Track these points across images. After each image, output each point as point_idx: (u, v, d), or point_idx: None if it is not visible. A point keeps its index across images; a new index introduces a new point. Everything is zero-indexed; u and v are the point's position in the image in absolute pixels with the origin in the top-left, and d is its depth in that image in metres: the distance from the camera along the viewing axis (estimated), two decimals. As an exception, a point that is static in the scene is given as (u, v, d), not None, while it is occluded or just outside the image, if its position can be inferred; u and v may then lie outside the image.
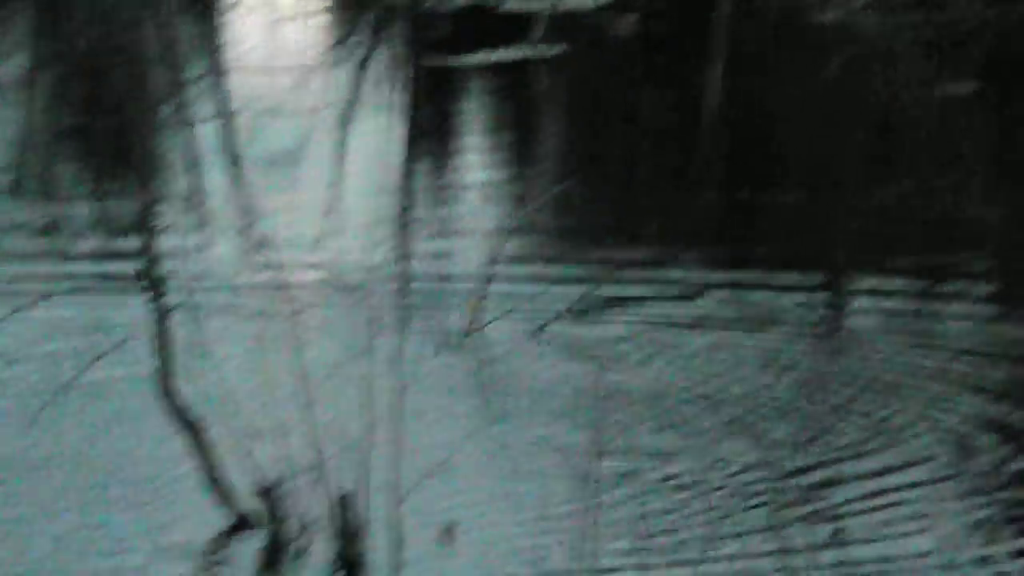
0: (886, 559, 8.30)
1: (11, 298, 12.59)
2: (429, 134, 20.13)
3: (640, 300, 14.04)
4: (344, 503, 8.06)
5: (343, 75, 22.32)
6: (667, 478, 9.27)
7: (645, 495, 8.88)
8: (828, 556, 8.60)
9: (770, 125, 19.83)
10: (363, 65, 23.10)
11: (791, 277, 14.51)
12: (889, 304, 13.71)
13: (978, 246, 15.56)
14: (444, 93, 21.13)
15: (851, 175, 17.74)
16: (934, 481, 9.73)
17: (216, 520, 8.45)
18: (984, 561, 8.28)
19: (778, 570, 8.17)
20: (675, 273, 14.85)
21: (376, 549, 8.15)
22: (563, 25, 21.65)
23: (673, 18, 22.27)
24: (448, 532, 8.24)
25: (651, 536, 8.26)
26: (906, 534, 8.85)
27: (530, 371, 11.96)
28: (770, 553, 8.30)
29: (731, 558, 8.03)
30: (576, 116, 20.49)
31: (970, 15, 21.15)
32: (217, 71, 21.26)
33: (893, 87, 20.84)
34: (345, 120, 19.68)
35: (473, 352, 12.32)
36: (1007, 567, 8.09)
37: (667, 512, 8.58)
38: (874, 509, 9.00)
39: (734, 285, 14.38)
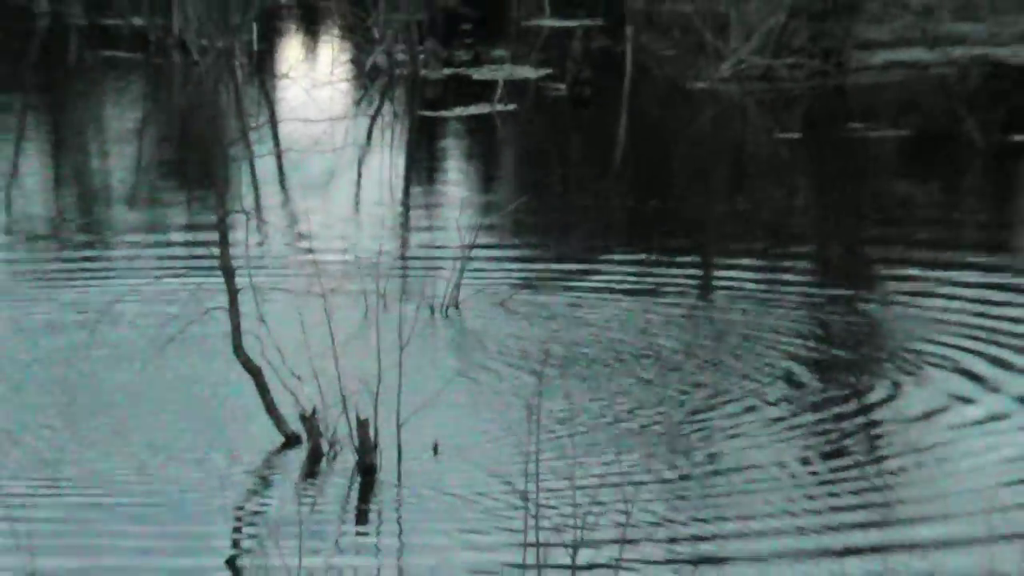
0: (751, 473, 8.14)
1: (131, 275, 12.89)
2: (423, 164, 19.67)
3: (578, 276, 13.38)
4: (361, 427, 8.10)
5: (362, 123, 21.37)
6: (585, 409, 9.00)
7: (572, 422, 8.70)
8: (699, 467, 8.54)
9: (660, 158, 19.47)
10: (376, 116, 22.31)
11: (677, 262, 13.87)
12: (742, 281, 12.96)
13: (802, 241, 15.13)
14: (433, 136, 20.69)
15: (716, 192, 17.77)
16: (777, 405, 9.45)
17: (273, 437, 8.57)
18: (816, 474, 8.41)
19: (662, 475, 8.13)
20: (601, 259, 14.21)
21: (384, 459, 8.27)
22: (515, 89, 20.67)
23: (592, 85, 21.45)
24: (435, 447, 8.52)
25: (575, 448, 7.94)
26: (760, 448, 8.66)
27: (497, 331, 11.49)
28: (659, 460, 8.36)
29: (631, 464, 7.94)
30: (526, 153, 20.32)
31: (796, 85, 21.31)
32: (272, 121, 20.90)
33: (743, 133, 21.16)
34: (363, 154, 19.08)
35: (456, 318, 11.79)
36: (833, 477, 8.32)
37: (587, 431, 8.43)
38: (735, 436, 8.83)
39: (637, 263, 13.75)
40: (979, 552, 6.99)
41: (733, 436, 8.96)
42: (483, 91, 20.83)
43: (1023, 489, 7.97)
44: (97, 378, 10.64)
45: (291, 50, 28.07)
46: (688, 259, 14.45)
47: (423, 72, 21.41)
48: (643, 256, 14.34)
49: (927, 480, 8.52)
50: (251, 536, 7.85)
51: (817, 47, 21.25)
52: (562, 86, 21.05)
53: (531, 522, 5.96)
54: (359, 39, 23.47)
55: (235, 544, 7.63)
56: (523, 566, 6.18)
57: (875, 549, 7.59)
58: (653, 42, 22.89)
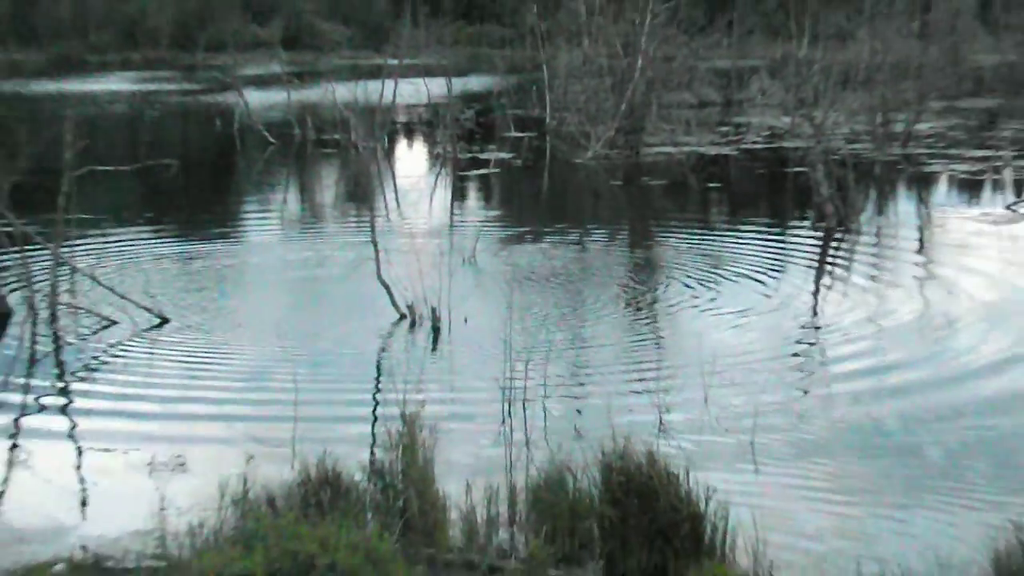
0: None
1: (317, 242, 18.33)
2: (462, 191, 24.91)
3: (530, 240, 18.08)
4: (434, 311, 12.08)
5: (434, 174, 27.41)
6: (543, 322, 12.45)
7: (536, 326, 12.05)
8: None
9: (558, 189, 25.32)
10: (439, 172, 27.86)
11: (586, 245, 18.79)
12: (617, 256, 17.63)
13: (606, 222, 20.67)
14: (465, 180, 25.84)
15: (571, 204, 23.77)
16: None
17: (392, 315, 12.54)
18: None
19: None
20: (539, 232, 18.78)
21: (442, 325, 12.07)
22: (499, 163, 26.74)
23: (532, 160, 27.70)
24: (465, 321, 12.13)
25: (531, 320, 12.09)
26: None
27: (495, 268, 15.91)
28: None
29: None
30: (504, 190, 25.30)
31: (620, 160, 26.48)
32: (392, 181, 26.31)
33: (594, 181, 25.77)
34: (435, 186, 25.18)
35: (474, 263, 15.92)
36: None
37: (537, 333, 11.45)
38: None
39: (562, 243, 18.27)
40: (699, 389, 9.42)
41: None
42: (484, 163, 26.62)
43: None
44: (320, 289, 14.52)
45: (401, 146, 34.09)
46: (563, 239, 18.42)
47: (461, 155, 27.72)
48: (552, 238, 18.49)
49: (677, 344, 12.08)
50: (386, 358, 11.45)
51: (627, 143, 27.21)
52: (519, 161, 27.40)
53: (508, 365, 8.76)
54: (435, 139, 30.36)
55: (378, 365, 11.29)
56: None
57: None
58: (560, 141, 27.91)
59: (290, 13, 59.13)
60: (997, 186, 23.09)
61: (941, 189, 22.99)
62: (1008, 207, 20.42)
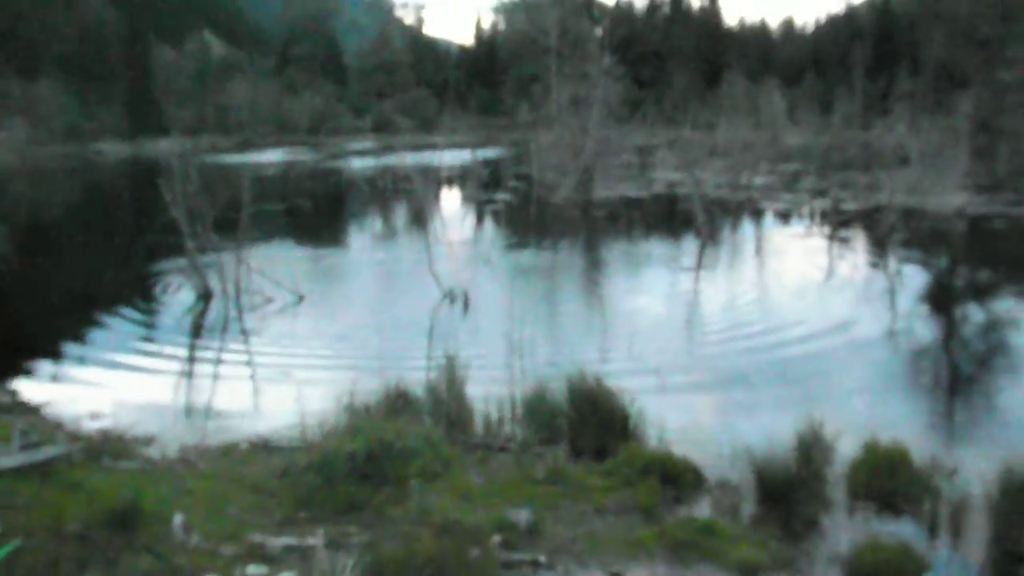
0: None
1: (393, 248, 18.09)
2: (479, 216, 23.76)
3: (516, 249, 17.77)
4: (464, 293, 12.04)
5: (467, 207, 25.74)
6: (532, 299, 12.20)
7: (528, 301, 11.88)
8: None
9: (540, 221, 22.70)
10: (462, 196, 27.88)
11: (558, 250, 18.22)
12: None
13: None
14: (483, 205, 25.06)
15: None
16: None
17: (438, 295, 12.32)
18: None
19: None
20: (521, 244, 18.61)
21: (470, 301, 12.01)
22: (505, 203, 25.46)
23: (522, 201, 25.48)
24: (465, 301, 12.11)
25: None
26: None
27: (502, 267, 15.72)
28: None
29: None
30: (512, 216, 23.71)
31: (577, 203, 24.77)
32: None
33: (559, 212, 24.05)
34: (464, 216, 23.24)
35: (489, 263, 15.54)
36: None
37: (528, 305, 11.04)
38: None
39: (543, 249, 18.13)
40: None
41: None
42: (494, 201, 25.39)
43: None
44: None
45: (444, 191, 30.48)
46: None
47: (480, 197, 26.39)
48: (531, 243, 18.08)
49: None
50: (435, 321, 11.04)
51: (583, 189, 26.09)
52: (516, 201, 25.77)
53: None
54: (464, 187, 29.15)
55: (430, 326, 10.88)
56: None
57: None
58: (541, 188, 26.14)
59: (377, 111, 62.16)
60: (800, 216, 22.96)
61: (768, 218, 22.65)
62: (806, 228, 20.71)
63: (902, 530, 5.12)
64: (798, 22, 67.52)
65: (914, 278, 13.74)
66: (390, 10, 71.99)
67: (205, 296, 12.47)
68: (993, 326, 10.99)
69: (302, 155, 47.84)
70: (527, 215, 24.37)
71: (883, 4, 57.26)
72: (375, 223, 24.98)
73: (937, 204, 19.24)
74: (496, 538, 4.69)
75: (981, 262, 15.68)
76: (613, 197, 26.24)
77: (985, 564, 4.76)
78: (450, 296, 12.21)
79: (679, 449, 6.15)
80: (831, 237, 18.41)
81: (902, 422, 6.83)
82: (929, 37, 33.22)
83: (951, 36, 28.90)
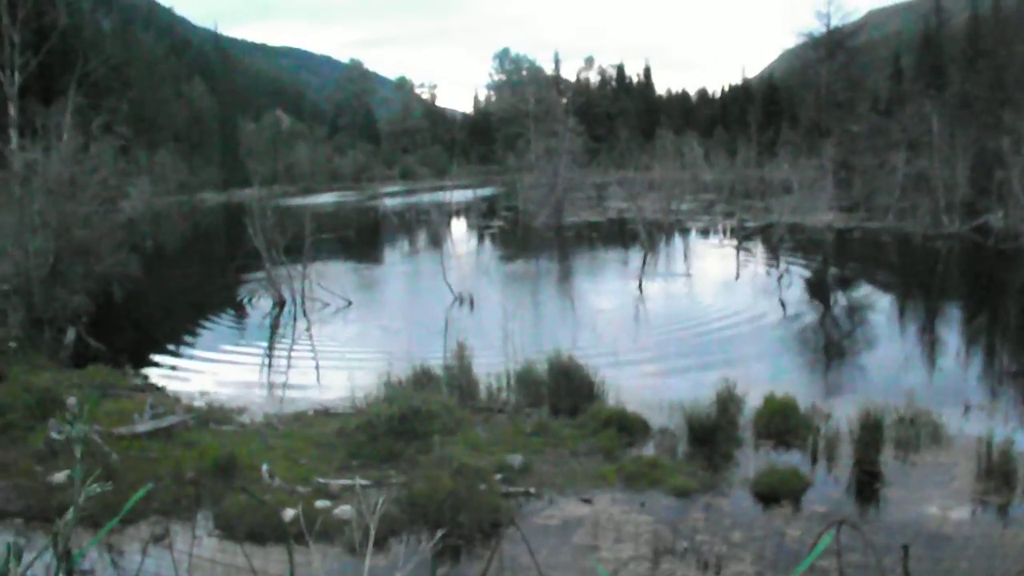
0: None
1: (416, 263, 17.41)
2: (479, 237, 22.76)
3: (510, 259, 17.15)
4: (471, 296, 11.74)
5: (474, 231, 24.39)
6: (522, 300, 11.65)
7: (519, 302, 11.18)
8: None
9: (535, 241, 21.42)
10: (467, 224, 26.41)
11: (539, 262, 17.32)
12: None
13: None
14: (482, 229, 24.12)
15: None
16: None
17: (450, 298, 12.15)
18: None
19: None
20: (522, 259, 17.81)
21: (475, 302, 11.66)
22: (499, 228, 24.46)
23: (511, 226, 24.45)
24: (469, 301, 11.63)
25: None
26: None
27: (499, 275, 15.15)
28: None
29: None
30: (504, 237, 22.87)
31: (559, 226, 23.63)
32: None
33: (538, 233, 22.70)
34: (478, 240, 22.30)
35: (488, 273, 15.01)
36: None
37: (520, 305, 10.34)
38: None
39: (528, 261, 17.31)
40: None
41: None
42: (490, 227, 24.47)
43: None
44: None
45: (454, 221, 27.53)
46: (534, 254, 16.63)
47: (480, 224, 24.92)
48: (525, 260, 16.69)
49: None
50: (448, 318, 10.59)
51: (556, 216, 24.77)
52: (507, 226, 24.65)
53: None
54: (469, 217, 27.88)
55: (445, 321, 10.36)
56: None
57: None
58: (525, 216, 24.90)
59: (403, 163, 63.03)
60: (715, 231, 22.45)
61: (692, 234, 22.06)
62: (720, 241, 20.40)
63: (792, 459, 5.25)
64: (710, 90, 68.52)
65: (798, 275, 13.88)
66: (411, 88, 73.00)
67: (279, 303, 12.30)
68: (855, 308, 11.09)
69: (348, 197, 47.41)
70: (515, 236, 23.83)
71: (769, 77, 59.45)
72: (403, 244, 24.11)
73: (812, 221, 19.52)
74: (498, 476, 4.77)
75: (845, 262, 15.76)
76: (579, 221, 25.77)
77: (851, 480, 4.85)
78: (460, 298, 12.08)
79: (631, 406, 6.15)
80: (738, 247, 18.22)
81: (791, 380, 6.97)
82: (802, 100, 34.22)
83: (817, 99, 30.16)
